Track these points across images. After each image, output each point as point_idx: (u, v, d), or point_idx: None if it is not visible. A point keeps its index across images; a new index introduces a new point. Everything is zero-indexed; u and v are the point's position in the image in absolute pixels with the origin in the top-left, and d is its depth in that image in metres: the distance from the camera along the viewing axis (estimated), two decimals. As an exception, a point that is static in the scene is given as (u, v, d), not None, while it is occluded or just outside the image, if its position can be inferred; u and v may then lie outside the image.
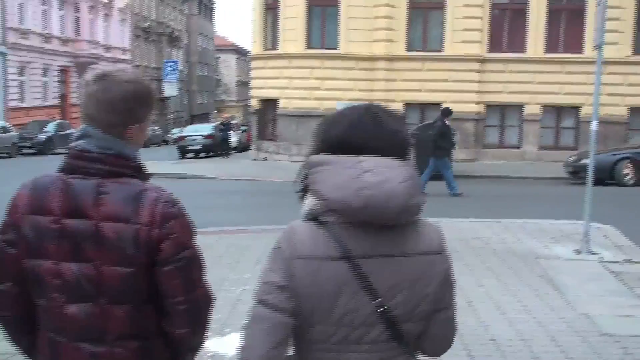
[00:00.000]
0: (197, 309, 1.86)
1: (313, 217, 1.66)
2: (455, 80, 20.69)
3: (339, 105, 20.16)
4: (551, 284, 6.78)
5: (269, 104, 22.66)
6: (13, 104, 34.18)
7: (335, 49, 21.27)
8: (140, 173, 1.88)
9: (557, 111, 21.25)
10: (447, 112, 14.90)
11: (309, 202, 1.68)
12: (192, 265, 1.84)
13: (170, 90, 23.22)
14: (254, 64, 24.34)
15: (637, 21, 20.50)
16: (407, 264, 1.66)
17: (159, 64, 47.91)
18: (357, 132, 1.71)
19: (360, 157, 1.64)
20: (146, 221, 1.77)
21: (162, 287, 1.81)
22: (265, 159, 22.49)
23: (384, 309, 1.63)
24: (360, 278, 1.61)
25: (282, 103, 21.90)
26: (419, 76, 20.92)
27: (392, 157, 1.66)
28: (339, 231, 1.62)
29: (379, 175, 1.60)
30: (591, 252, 8.03)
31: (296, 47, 21.45)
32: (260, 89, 23.20)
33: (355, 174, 1.60)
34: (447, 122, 14.68)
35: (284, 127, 22.17)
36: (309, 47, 21.58)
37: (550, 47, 20.95)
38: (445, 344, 1.83)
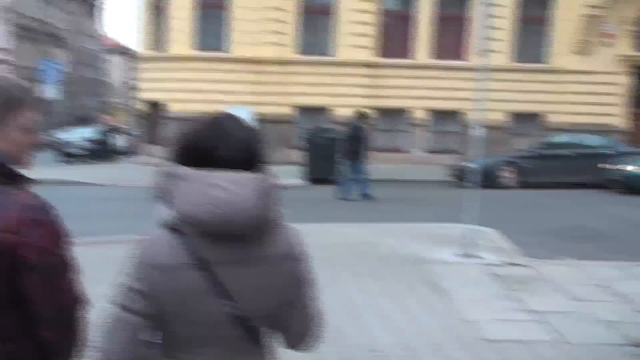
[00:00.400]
0: (63, 315, 1.84)
1: (169, 226, 1.72)
2: (346, 84, 20.83)
3: (229, 109, 20.01)
4: (435, 290, 6.79)
5: (158, 107, 21.97)
6: None
7: (225, 51, 20.90)
8: (9, 178, 1.80)
9: (444, 116, 21.84)
10: (363, 116, 14.83)
11: (164, 210, 1.73)
12: (57, 271, 1.81)
13: (50, 92, 22.01)
14: (142, 65, 23.55)
15: (515, 31, 21.40)
16: (261, 268, 1.75)
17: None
18: (203, 141, 1.75)
19: (210, 173, 1.68)
20: (4, 227, 1.73)
21: (25, 293, 1.78)
22: (155, 165, 21.74)
23: (239, 311, 1.73)
24: (215, 284, 1.70)
25: (171, 107, 21.27)
26: (309, 80, 20.91)
27: (243, 169, 1.71)
28: (194, 240, 1.69)
29: (227, 191, 1.66)
30: (474, 256, 8.16)
31: (185, 49, 20.91)
32: (148, 92, 22.46)
33: (203, 190, 1.66)
34: (362, 126, 14.58)
35: (172, 131, 21.52)
36: (198, 49, 21.09)
37: (437, 53, 21.50)
38: (307, 337, 1.96)
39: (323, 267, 7.85)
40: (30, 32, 51.04)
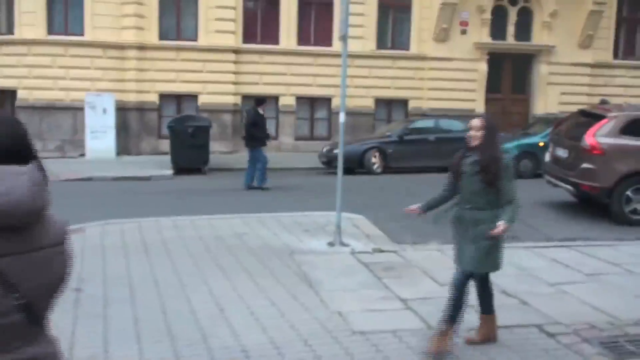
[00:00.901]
0: None
1: None
2: (211, 71, 20.27)
3: (87, 96, 18.86)
4: (306, 281, 6.66)
5: (6, 94, 20.38)
6: None
7: (80, 35, 19.68)
8: None
9: (311, 102, 21.85)
10: (261, 101, 14.34)
11: None
12: None
13: None
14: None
15: (379, 17, 21.74)
16: (37, 257, 1.83)
17: None
18: None
19: None
20: None
21: None
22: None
23: (23, 300, 1.79)
24: None
25: (21, 94, 19.78)
26: (173, 66, 20.15)
27: (14, 162, 1.80)
28: None
29: (1, 184, 1.73)
30: (343, 244, 8.12)
31: (36, 33, 19.45)
32: (-4, 78, 20.79)
33: None
34: (260, 111, 14.09)
35: (24, 121, 19.85)
36: (50, 32, 19.70)
37: (302, 39, 21.41)
38: None
39: (189, 261, 7.56)
40: None
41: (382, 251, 7.93)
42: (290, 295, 6.21)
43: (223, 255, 7.68)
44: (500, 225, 4.59)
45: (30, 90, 19.56)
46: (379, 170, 16.87)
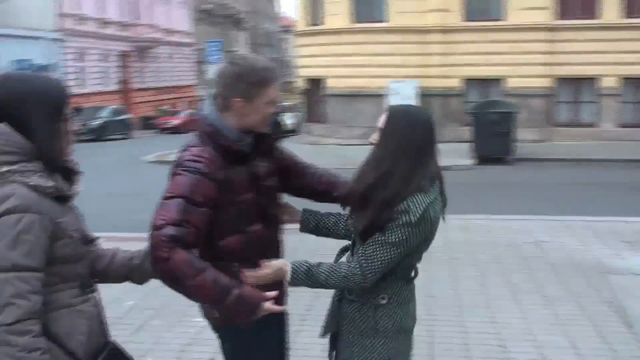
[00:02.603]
0: None
1: None
2: (520, 52, 18.56)
3: (391, 84, 18.60)
4: (619, 315, 5.03)
5: (316, 83, 21.15)
6: (73, 90, 33.86)
7: (384, 21, 19.48)
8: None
9: (638, 84, 18.86)
10: None
11: None
12: None
13: (214, 72, 21.87)
14: (299, 41, 22.87)
15: None
16: None
17: (226, 47, 46.84)
18: None
19: None
20: None
21: None
22: (313, 143, 21.05)
23: None
24: None
25: (329, 82, 20.33)
26: (478, 49, 18.89)
27: None
28: None
29: None
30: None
31: (342, 22, 19.79)
32: (306, 68, 21.72)
33: None
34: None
35: (332, 108, 20.63)
36: (355, 21, 19.87)
37: (630, 11, 18.50)
38: None
39: (472, 273, 6.35)
40: (208, 15, 52.89)
41: None
42: (595, 332, 4.69)
43: (515, 268, 6.34)
44: None
45: (338, 78, 19.98)
46: None
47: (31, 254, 1.76)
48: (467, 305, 5.29)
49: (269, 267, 2.25)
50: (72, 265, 1.91)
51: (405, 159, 2.20)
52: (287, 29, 76.04)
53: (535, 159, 16.09)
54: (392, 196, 2.18)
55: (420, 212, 2.16)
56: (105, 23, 37.29)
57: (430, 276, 6.08)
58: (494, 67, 18.90)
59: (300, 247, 5.39)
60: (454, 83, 19.39)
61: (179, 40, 46.36)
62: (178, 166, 2.23)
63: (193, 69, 48.46)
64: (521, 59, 18.61)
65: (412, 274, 2.37)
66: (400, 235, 2.17)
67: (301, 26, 21.94)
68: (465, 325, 4.87)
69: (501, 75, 19.08)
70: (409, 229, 2.17)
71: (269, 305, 2.17)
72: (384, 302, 2.30)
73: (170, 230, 2.06)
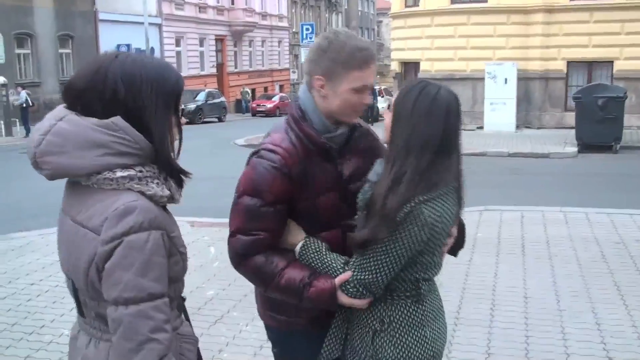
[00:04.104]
0: None
1: None
2: (631, 32, 17.34)
3: (487, 67, 17.86)
4: None
5: (410, 67, 20.63)
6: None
7: (483, 1, 18.69)
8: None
9: None
10: None
11: None
12: None
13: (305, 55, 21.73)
14: (394, 23, 22.37)
15: None
16: (69, 227, 1.56)
17: (318, 30, 46.79)
18: None
19: None
20: None
21: None
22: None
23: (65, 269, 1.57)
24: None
25: (423, 65, 19.77)
26: (585, 29, 17.82)
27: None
28: None
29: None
30: None
31: (439, 2, 19.14)
32: (400, 51, 21.24)
33: None
34: None
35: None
36: (453, 1, 19.17)
37: None
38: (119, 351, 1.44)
39: (574, 272, 5.85)
40: (304, -1, 52.97)
41: None
42: None
43: (622, 267, 5.80)
44: None
45: (432, 61, 19.42)
46: None
47: (161, 279, 1.47)
48: (569, 309, 4.84)
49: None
50: (177, 284, 1.61)
51: (418, 156, 1.77)
52: (384, 12, 75.28)
53: (643, 147, 15.09)
54: (399, 204, 1.75)
55: (405, 211, 1.74)
56: (203, 7, 37.97)
57: (525, 275, 5.64)
58: (600, 49, 17.79)
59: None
60: (557, 65, 18.40)
61: (274, 24, 46.69)
62: (254, 154, 2.01)
63: (287, 53, 48.73)
64: (631, 40, 17.40)
65: (422, 292, 1.89)
66: (389, 240, 1.78)
67: (397, 8, 21.43)
68: (566, 332, 4.43)
69: (609, 57, 17.93)
70: (397, 233, 1.77)
71: (343, 297, 1.89)
72: (382, 326, 1.89)
73: (240, 240, 1.98)
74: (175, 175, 1.61)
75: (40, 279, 5.72)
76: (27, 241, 7.04)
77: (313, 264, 1.93)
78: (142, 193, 1.50)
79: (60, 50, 26.49)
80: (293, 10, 50.90)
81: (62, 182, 1.64)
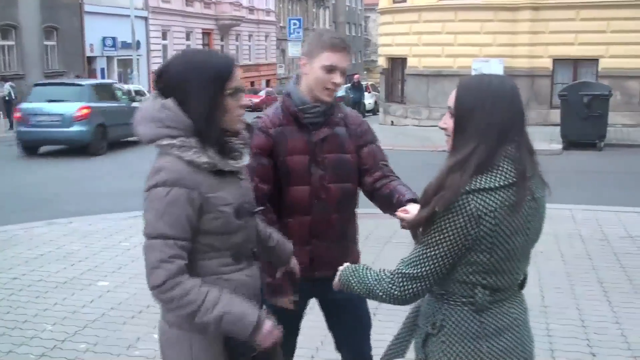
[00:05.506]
0: None
1: None
2: (616, 30, 17.44)
3: (474, 63, 17.91)
4: None
5: (397, 62, 20.64)
6: (156, 67, 34.38)
7: (470, -2, 18.76)
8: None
9: None
10: None
11: None
12: None
13: (294, 50, 21.79)
14: (381, 19, 22.37)
15: None
16: None
17: (306, 25, 46.64)
18: None
19: None
20: None
21: None
22: (392, 123, 20.61)
23: None
24: None
25: (410, 62, 19.79)
26: (571, 27, 17.89)
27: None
28: None
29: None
30: None
31: (426, -1, 19.18)
32: (387, 47, 21.23)
33: None
34: None
35: (412, 88, 20.08)
36: (440, -2, 19.23)
37: None
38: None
39: (559, 269, 5.92)
40: (292, -7, 52.80)
41: None
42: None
43: (606, 264, 5.84)
44: None
45: (420, 57, 19.44)
46: None
47: (176, 225, 1.86)
48: (553, 305, 4.86)
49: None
50: (225, 236, 1.96)
51: (483, 143, 1.68)
52: (371, 7, 75.22)
53: (628, 145, 15.18)
54: (451, 194, 1.65)
55: (448, 202, 1.65)
56: (190, 1, 37.75)
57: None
58: (586, 47, 17.88)
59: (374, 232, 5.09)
60: (543, 63, 18.49)
61: (261, 18, 46.52)
62: None
63: (274, 47, 48.60)
64: (616, 38, 17.51)
65: (477, 299, 1.73)
66: (433, 232, 1.70)
67: (385, 3, 21.41)
68: (551, 328, 4.45)
69: (594, 55, 18.03)
70: (442, 222, 1.68)
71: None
72: (434, 330, 1.79)
73: None
74: (219, 146, 1.96)
75: (23, 273, 5.66)
76: (9, 235, 6.96)
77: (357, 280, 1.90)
78: (181, 158, 1.88)
79: (46, 43, 26.19)
80: (280, 5, 50.77)
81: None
